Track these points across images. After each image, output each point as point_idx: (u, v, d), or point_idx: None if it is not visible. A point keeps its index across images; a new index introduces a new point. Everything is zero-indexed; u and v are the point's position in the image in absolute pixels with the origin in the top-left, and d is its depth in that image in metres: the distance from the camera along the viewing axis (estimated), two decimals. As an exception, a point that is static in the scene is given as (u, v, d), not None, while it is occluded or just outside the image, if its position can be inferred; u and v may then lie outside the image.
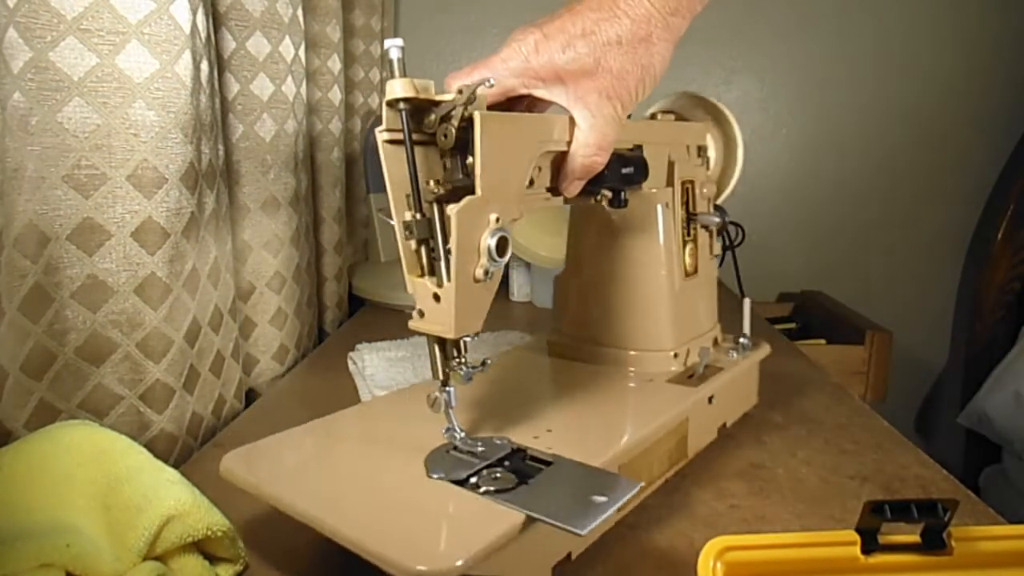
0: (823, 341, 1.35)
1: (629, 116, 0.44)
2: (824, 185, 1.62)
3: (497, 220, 0.39)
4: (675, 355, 0.57)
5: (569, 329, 0.62)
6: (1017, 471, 1.36)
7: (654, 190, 0.55)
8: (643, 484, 0.39)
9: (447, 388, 0.42)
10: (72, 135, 0.49)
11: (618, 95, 0.42)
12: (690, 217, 0.60)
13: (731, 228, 1.61)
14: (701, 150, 0.64)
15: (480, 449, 0.41)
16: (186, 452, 0.59)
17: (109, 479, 0.39)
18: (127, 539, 0.36)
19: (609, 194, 0.49)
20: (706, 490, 0.50)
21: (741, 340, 0.63)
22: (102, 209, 0.51)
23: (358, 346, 0.81)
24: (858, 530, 0.31)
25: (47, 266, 0.49)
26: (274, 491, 0.38)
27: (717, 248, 0.64)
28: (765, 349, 0.64)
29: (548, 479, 0.39)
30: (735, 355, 0.61)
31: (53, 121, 0.48)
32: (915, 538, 0.31)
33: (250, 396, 0.77)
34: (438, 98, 0.38)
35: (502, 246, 0.39)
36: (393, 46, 0.37)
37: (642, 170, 0.51)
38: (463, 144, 0.38)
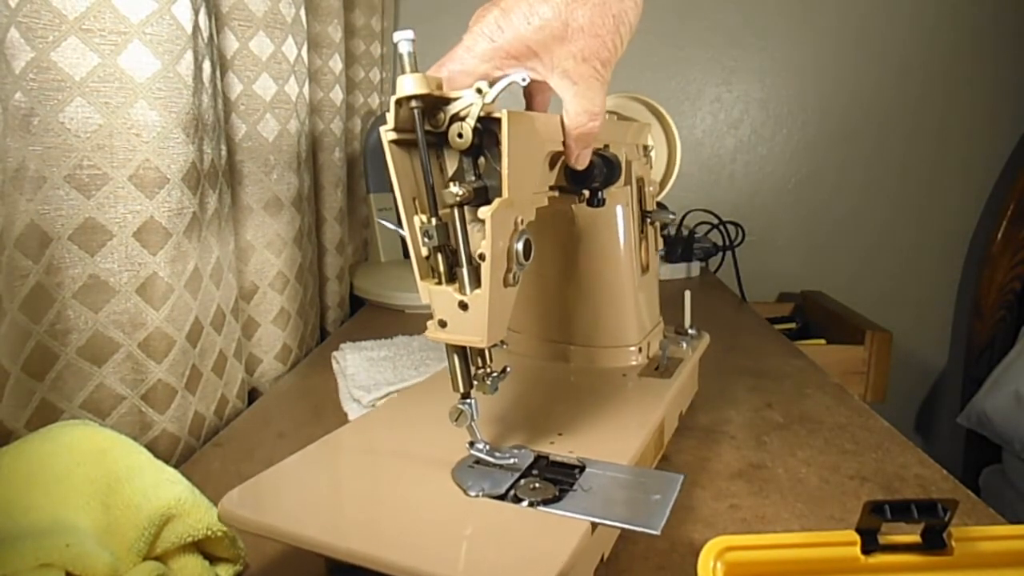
0: (823, 341, 1.35)
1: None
2: (824, 185, 1.62)
3: (521, 222, 0.38)
4: (639, 349, 0.59)
5: (532, 329, 0.62)
6: (1017, 471, 1.35)
7: (614, 190, 0.56)
8: (684, 477, 0.39)
9: (468, 400, 0.40)
10: (74, 135, 0.49)
11: (595, 54, 0.39)
12: (644, 215, 0.62)
13: (731, 228, 1.61)
14: (646, 149, 0.65)
15: (512, 461, 0.40)
16: (188, 452, 0.59)
17: (109, 479, 0.39)
18: (127, 539, 0.37)
19: (587, 193, 0.50)
20: (706, 490, 0.50)
21: (690, 331, 0.66)
22: (104, 209, 0.51)
23: (342, 345, 0.80)
24: (858, 530, 0.31)
25: (49, 266, 0.49)
26: (301, 529, 0.34)
27: (661, 244, 0.67)
28: (707, 339, 0.67)
29: (590, 484, 0.38)
30: (685, 345, 0.63)
31: (55, 121, 0.48)
32: (915, 538, 0.31)
33: (253, 396, 0.77)
34: (451, 95, 0.36)
35: (528, 249, 0.38)
36: (403, 39, 0.35)
37: (618, 169, 0.52)
38: (475, 144, 0.37)
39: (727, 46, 1.55)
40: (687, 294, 0.66)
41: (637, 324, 0.60)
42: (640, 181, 0.60)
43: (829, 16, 1.54)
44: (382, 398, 0.63)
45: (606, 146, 0.52)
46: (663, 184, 0.69)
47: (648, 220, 0.62)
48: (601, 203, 0.50)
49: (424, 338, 0.80)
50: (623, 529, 0.33)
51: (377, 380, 0.69)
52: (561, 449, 0.43)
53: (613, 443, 0.44)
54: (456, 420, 0.40)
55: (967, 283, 1.66)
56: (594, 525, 0.34)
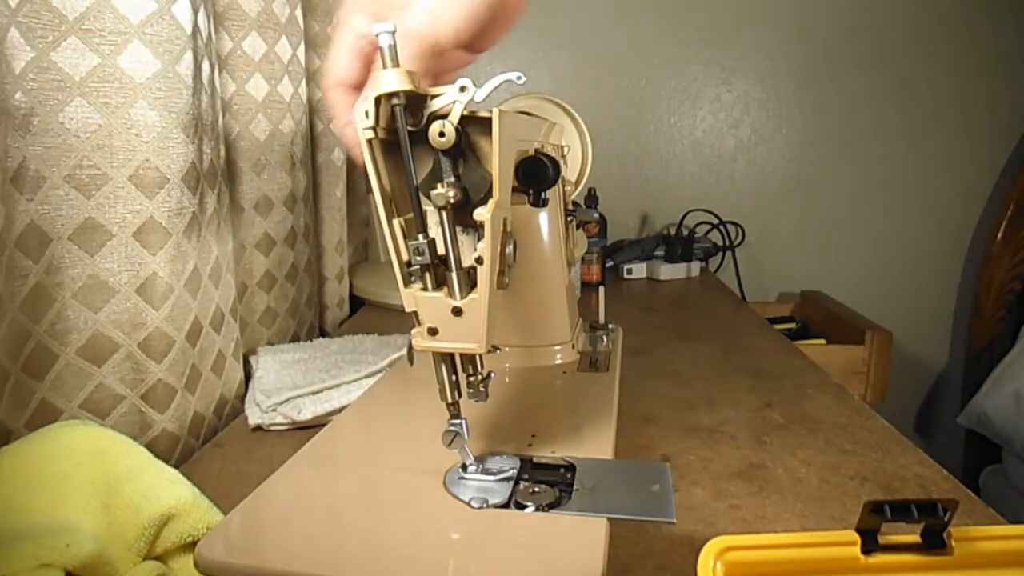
0: (823, 341, 1.35)
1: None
2: (824, 185, 1.62)
3: (506, 223, 0.37)
4: (572, 345, 0.60)
5: None
6: (1017, 471, 1.35)
7: None
8: (668, 463, 0.40)
9: (458, 420, 0.39)
10: (74, 135, 0.49)
11: None
12: (568, 213, 0.63)
13: (731, 228, 1.62)
14: (563, 149, 0.67)
15: (509, 469, 0.40)
16: (187, 452, 0.59)
17: (109, 479, 0.39)
18: (127, 538, 0.37)
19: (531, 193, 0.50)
20: (706, 490, 0.50)
21: (610, 326, 0.68)
22: (104, 209, 0.51)
23: (259, 349, 0.78)
24: (858, 530, 0.31)
25: (49, 266, 0.49)
26: (297, 567, 0.32)
27: (582, 239, 0.69)
28: (620, 332, 0.70)
29: (586, 482, 0.38)
30: (606, 339, 0.65)
31: (55, 121, 0.48)
32: (915, 538, 0.31)
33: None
34: (433, 91, 0.35)
35: (515, 251, 0.37)
36: (383, 31, 0.33)
37: (559, 170, 0.52)
38: (457, 143, 0.35)
39: (727, 46, 1.55)
40: (601, 289, 0.69)
41: (569, 321, 0.61)
42: (563, 181, 0.61)
43: (829, 16, 1.54)
44: (283, 402, 0.61)
45: (543, 146, 0.53)
46: (577, 183, 0.70)
47: (568, 218, 0.63)
48: (545, 203, 0.51)
49: (342, 341, 0.80)
50: (639, 522, 0.34)
51: (284, 383, 0.66)
52: (541, 451, 0.43)
53: (589, 439, 0.45)
54: (450, 444, 0.39)
55: (967, 283, 1.66)
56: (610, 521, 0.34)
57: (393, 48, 0.33)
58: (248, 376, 0.72)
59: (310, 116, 0.91)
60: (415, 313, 0.36)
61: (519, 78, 0.36)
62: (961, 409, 1.50)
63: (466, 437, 0.39)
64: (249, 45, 0.73)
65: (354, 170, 1.11)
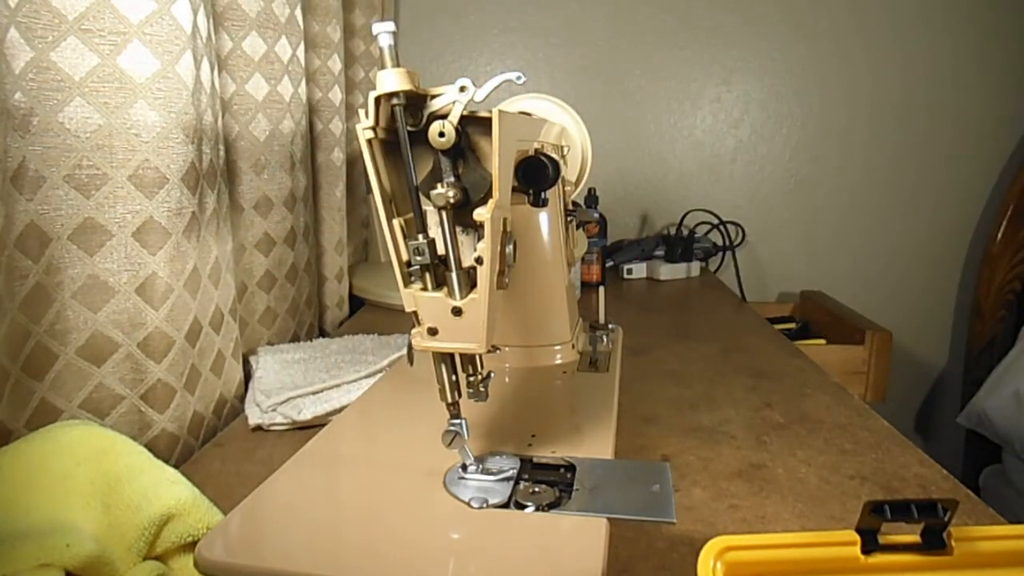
0: (823, 341, 1.35)
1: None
2: (824, 185, 1.62)
3: (506, 223, 0.37)
4: (572, 345, 0.60)
5: None
6: (1017, 471, 1.35)
7: None
8: (668, 463, 0.40)
9: (458, 421, 0.39)
10: (73, 135, 0.49)
11: None
12: (568, 213, 0.63)
13: (731, 228, 1.62)
14: (563, 149, 0.67)
15: (509, 469, 0.40)
16: (187, 452, 0.59)
17: (109, 479, 0.39)
18: (127, 538, 0.37)
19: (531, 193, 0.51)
20: (706, 490, 0.50)
21: (610, 326, 0.68)
22: (103, 209, 0.51)
23: (259, 349, 0.78)
24: (858, 530, 0.31)
25: (48, 266, 0.49)
26: (299, 567, 0.32)
27: (582, 239, 0.69)
28: (620, 332, 0.70)
29: (586, 482, 0.39)
30: (606, 339, 0.65)
31: (54, 121, 0.48)
32: (915, 538, 0.31)
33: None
34: (433, 91, 0.35)
35: (515, 251, 0.38)
36: (383, 31, 0.33)
37: (560, 169, 0.52)
38: (456, 143, 0.35)
39: (727, 46, 1.55)
40: (601, 289, 0.69)
41: (569, 320, 0.61)
42: (563, 181, 0.61)
43: (829, 15, 1.54)
44: (283, 402, 0.61)
45: (543, 146, 0.53)
46: (577, 183, 0.70)
47: (569, 218, 0.63)
48: (545, 203, 0.51)
49: (342, 341, 0.80)
50: (638, 522, 0.34)
51: (284, 383, 0.66)
52: (541, 451, 0.43)
53: (589, 439, 0.45)
54: (450, 444, 0.39)
55: (967, 283, 1.66)
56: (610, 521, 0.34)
57: (393, 48, 0.33)
58: (248, 376, 0.72)
59: (310, 116, 0.91)
60: (415, 313, 0.36)
61: (519, 78, 0.36)
62: (961, 409, 1.50)
63: (466, 437, 0.39)
64: (249, 45, 0.73)
65: (354, 170, 1.11)
